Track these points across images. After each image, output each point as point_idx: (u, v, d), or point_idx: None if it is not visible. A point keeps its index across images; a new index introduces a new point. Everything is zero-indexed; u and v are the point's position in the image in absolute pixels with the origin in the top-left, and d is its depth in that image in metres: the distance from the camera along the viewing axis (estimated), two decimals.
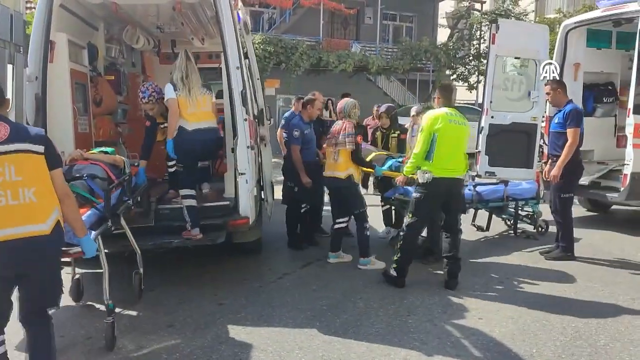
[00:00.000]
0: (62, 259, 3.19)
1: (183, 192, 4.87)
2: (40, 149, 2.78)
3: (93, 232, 3.34)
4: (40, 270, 2.82)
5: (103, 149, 4.83)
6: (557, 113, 5.83)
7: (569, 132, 5.55)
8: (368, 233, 5.58)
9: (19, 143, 2.71)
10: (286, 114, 7.16)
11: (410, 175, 5.13)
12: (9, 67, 4.25)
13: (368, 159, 5.98)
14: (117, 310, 4.05)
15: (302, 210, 6.43)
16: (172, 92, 4.80)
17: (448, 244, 5.03)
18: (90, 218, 3.50)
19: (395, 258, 5.01)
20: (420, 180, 4.92)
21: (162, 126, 5.54)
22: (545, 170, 6.00)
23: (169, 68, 7.23)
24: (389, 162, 6.04)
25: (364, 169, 5.77)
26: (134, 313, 4.30)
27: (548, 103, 7.78)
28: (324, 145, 6.14)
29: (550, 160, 5.90)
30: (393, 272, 4.99)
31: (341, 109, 5.65)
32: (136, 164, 5.08)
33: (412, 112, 7.68)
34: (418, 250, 5.30)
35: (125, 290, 4.53)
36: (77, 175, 3.89)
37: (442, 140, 4.82)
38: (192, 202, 4.85)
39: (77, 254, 3.19)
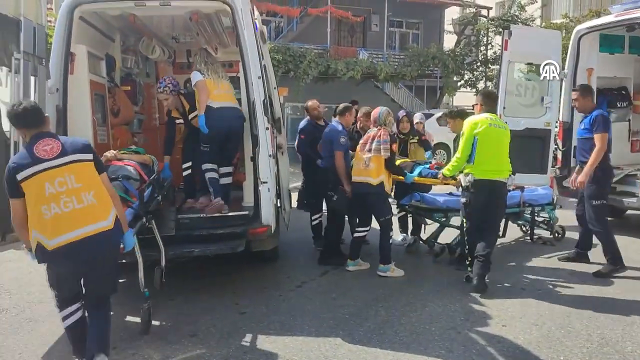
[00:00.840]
0: None
1: (205, 166, 5.23)
2: (90, 156, 3.21)
3: (131, 229, 3.60)
4: (106, 260, 3.25)
5: (134, 148, 5.12)
6: (583, 119, 5.68)
7: (597, 137, 5.39)
8: (391, 241, 5.60)
9: (72, 154, 3.10)
10: (301, 124, 7.13)
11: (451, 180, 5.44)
12: (32, 79, 4.29)
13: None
14: (139, 319, 4.11)
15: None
16: (199, 76, 5.15)
17: (483, 243, 5.02)
18: (128, 216, 3.73)
19: (467, 263, 5.22)
20: (462, 184, 5.13)
21: (177, 122, 5.76)
22: (572, 180, 5.84)
23: (182, 78, 7.33)
24: (418, 169, 6.00)
25: (396, 177, 5.74)
26: (156, 322, 4.29)
27: (562, 109, 7.83)
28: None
29: (578, 168, 5.73)
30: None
31: (376, 118, 5.57)
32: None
33: (416, 120, 7.68)
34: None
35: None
36: (113, 176, 4.11)
37: (483, 144, 4.97)
38: (215, 175, 5.26)
39: (121, 250, 3.45)
